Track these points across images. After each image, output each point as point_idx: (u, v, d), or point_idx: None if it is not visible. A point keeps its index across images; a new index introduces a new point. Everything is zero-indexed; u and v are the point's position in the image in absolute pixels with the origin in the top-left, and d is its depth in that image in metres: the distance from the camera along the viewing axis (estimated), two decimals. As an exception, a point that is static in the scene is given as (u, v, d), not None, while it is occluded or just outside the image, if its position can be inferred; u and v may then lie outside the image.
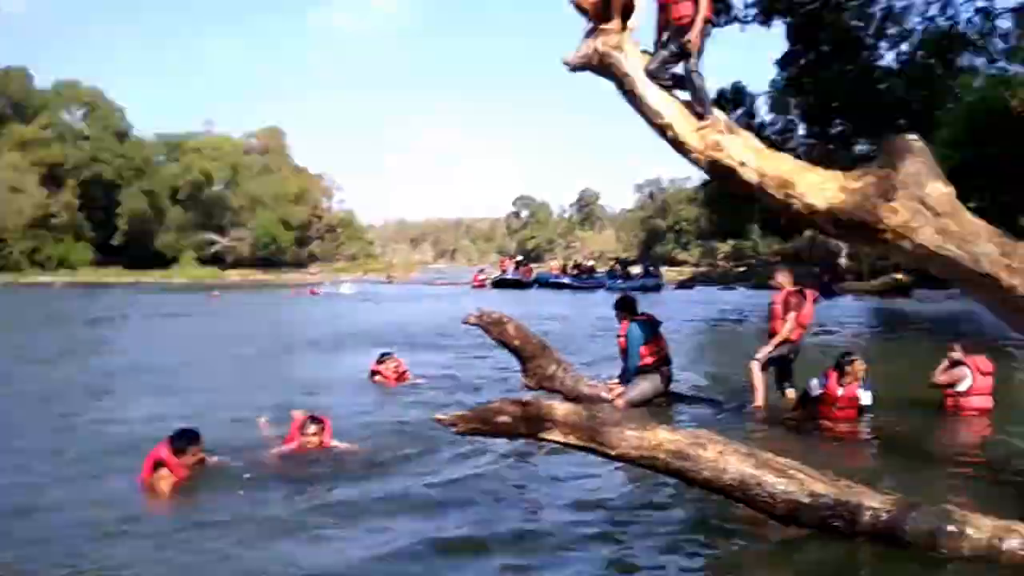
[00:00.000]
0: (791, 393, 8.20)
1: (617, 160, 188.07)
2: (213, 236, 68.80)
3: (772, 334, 8.18)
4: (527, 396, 4.46)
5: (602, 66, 7.19)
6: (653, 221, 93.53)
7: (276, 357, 13.26)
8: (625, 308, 8.55)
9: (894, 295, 27.52)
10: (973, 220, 5.12)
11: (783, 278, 8.35)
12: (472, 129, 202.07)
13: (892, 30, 23.69)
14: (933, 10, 23.14)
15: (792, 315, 8.03)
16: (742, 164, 6.29)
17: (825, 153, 23.84)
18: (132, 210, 61.11)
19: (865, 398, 7.30)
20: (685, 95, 6.85)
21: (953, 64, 22.50)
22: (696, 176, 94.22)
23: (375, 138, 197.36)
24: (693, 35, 6.79)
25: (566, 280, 39.39)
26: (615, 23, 7.14)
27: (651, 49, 7.10)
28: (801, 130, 26.04)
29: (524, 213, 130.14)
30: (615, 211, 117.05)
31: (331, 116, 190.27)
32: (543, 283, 39.73)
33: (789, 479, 4.11)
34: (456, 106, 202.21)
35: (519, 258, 49.73)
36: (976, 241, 4.93)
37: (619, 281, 37.45)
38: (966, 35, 22.91)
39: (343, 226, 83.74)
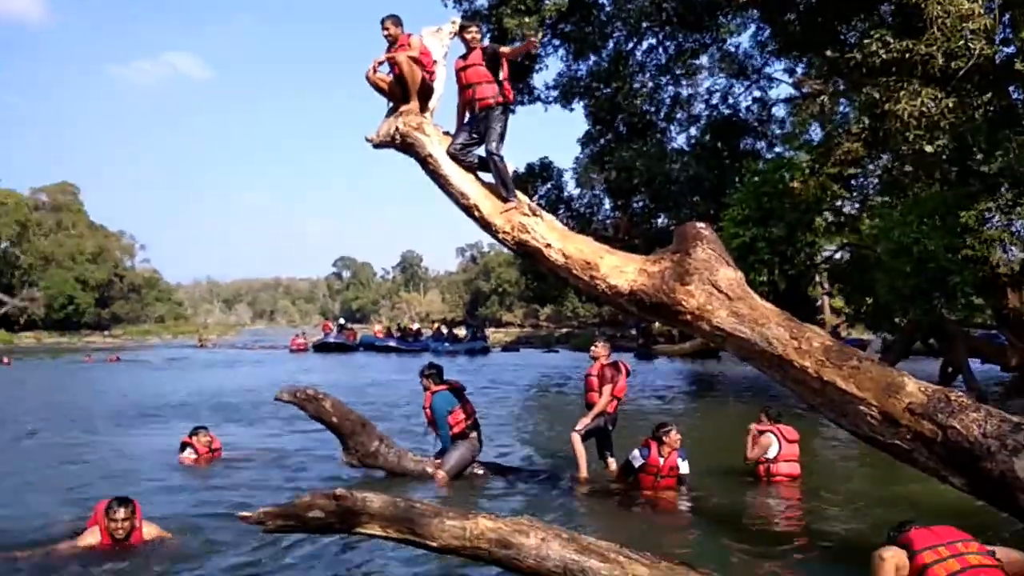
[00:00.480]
0: (612, 463, 8.48)
1: (437, 223, 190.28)
2: (2, 297, 62.58)
3: (589, 405, 8.46)
4: (340, 488, 4.26)
5: (404, 145, 7.41)
6: (476, 283, 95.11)
7: (76, 432, 12.27)
8: (430, 376, 8.54)
9: (704, 357, 29.21)
10: (763, 304, 5.59)
11: (601, 350, 8.67)
12: (285, 190, 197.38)
13: (680, 115, 25.83)
14: (715, 99, 25.54)
15: (607, 388, 8.34)
16: (547, 246, 6.59)
17: (629, 226, 25.45)
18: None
19: (683, 467, 7.60)
20: (488, 176, 7.12)
21: (737, 147, 24.75)
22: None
23: (182, 196, 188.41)
24: (509, 49, 7.17)
25: (392, 343, 38.96)
26: (414, 104, 7.39)
27: (452, 131, 7.37)
28: (607, 204, 27.49)
29: (346, 274, 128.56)
30: (438, 273, 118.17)
31: (132, 174, 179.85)
32: (368, 346, 39.07)
33: (612, 563, 4.12)
34: (267, 168, 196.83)
35: (342, 320, 48.77)
36: (767, 324, 5.37)
37: (446, 344, 37.56)
38: (746, 121, 25.32)
39: (148, 286, 78.91)
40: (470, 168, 7.14)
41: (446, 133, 7.33)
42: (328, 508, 4.17)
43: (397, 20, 7.42)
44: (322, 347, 38.87)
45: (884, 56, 11.63)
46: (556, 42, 23.26)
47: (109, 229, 74.80)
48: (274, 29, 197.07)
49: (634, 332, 39.49)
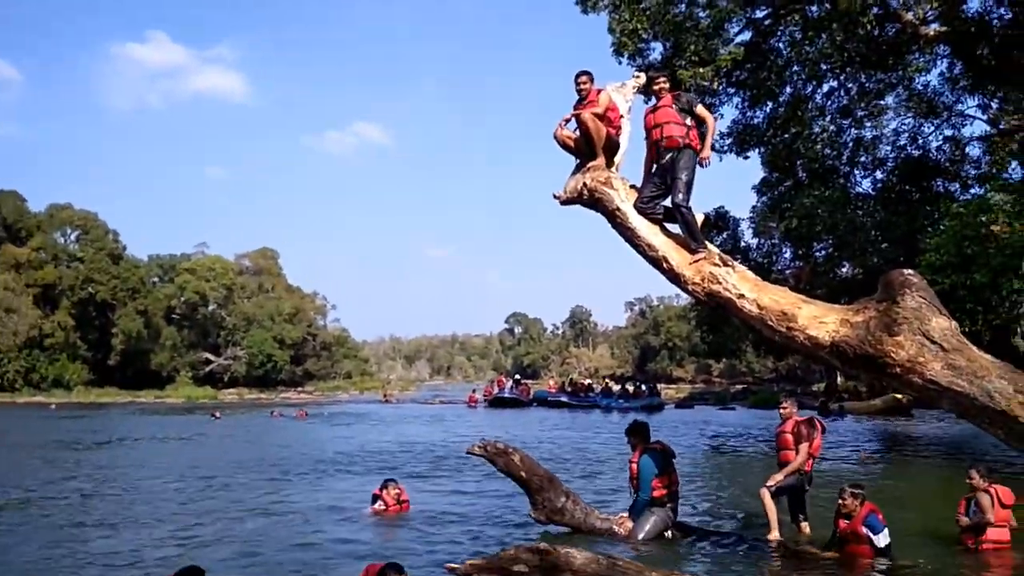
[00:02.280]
0: (805, 526, 8.02)
1: (606, 278, 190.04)
2: (208, 355, 68.68)
3: (782, 463, 8.07)
4: (541, 543, 4.28)
5: (592, 200, 7.45)
6: (646, 338, 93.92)
7: (273, 483, 13.08)
8: (638, 435, 8.36)
9: (895, 414, 27.23)
10: (981, 355, 5.16)
11: (790, 407, 8.31)
12: (463, 248, 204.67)
13: (865, 158, 24.56)
14: (903, 139, 24.11)
15: (804, 445, 7.94)
16: (741, 296, 6.40)
17: (811, 276, 24.28)
18: (127, 330, 61.12)
19: (879, 540, 6.95)
20: (675, 227, 7.05)
21: (928, 190, 23.20)
22: (685, 294, 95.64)
23: (367, 257, 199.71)
24: (705, 153, 7.05)
25: (564, 399, 39.03)
26: (600, 159, 7.47)
27: (638, 184, 7.38)
28: (786, 253, 26.44)
29: (517, 330, 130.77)
30: (607, 328, 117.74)
31: (323, 237, 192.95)
32: (541, 401, 39.35)
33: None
34: (448, 227, 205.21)
35: (516, 376, 49.50)
36: (987, 377, 4.95)
37: (620, 401, 37.15)
38: (938, 162, 23.73)
39: (338, 344, 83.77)
40: (657, 220, 7.11)
41: (632, 187, 7.36)
42: (532, 562, 4.20)
43: (591, 76, 7.57)
44: (497, 402, 39.53)
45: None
46: (731, 90, 22.92)
47: (304, 290, 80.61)
48: (450, 94, 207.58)
49: (815, 389, 37.42)
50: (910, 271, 5.63)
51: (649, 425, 8.56)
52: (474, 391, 44.56)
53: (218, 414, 33.27)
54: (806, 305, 6.09)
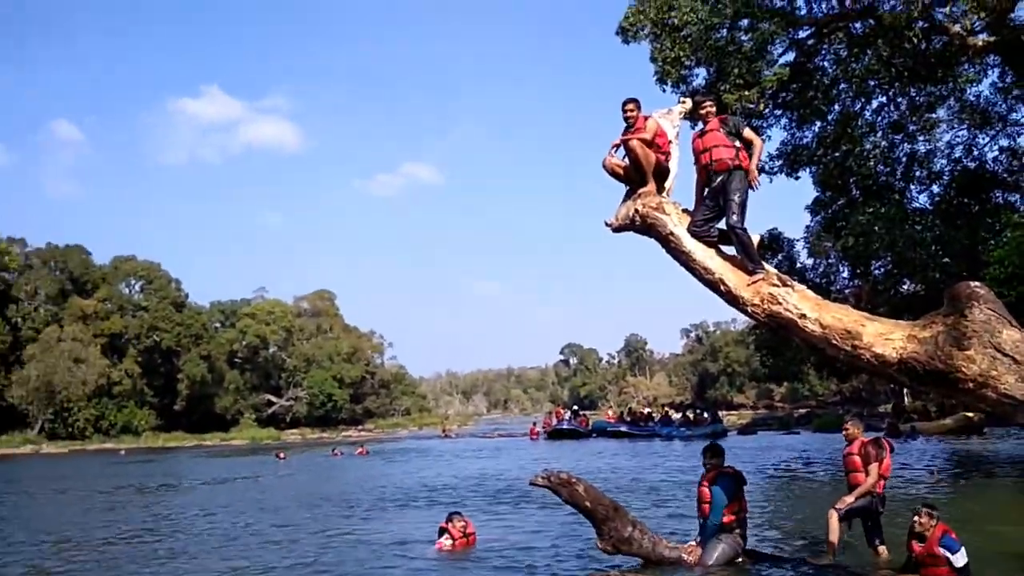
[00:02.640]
0: (883, 550, 7.83)
1: (660, 305, 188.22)
2: (270, 397, 69.96)
3: (852, 486, 7.91)
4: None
5: (644, 227, 7.48)
6: (704, 364, 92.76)
7: (345, 518, 13.23)
8: (717, 455, 8.22)
9: (967, 434, 26.34)
10: (1056, 366, 5.04)
11: (855, 428, 8.17)
12: (514, 281, 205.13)
13: (920, 173, 24.06)
14: (958, 152, 23.59)
15: (874, 466, 7.78)
16: (802, 316, 6.34)
17: (872, 295, 23.75)
18: (191, 375, 62.68)
19: (957, 560, 6.75)
20: (730, 249, 7.04)
21: (988, 202, 22.63)
22: (741, 318, 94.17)
23: (421, 295, 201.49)
24: (753, 174, 7.05)
25: (624, 428, 38.70)
26: (651, 186, 7.51)
27: (690, 208, 7.40)
28: (844, 272, 25.95)
29: (572, 361, 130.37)
30: (663, 355, 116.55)
31: (378, 276, 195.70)
32: (600, 432, 39.06)
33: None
34: (497, 259, 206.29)
35: (574, 407, 49.29)
36: (1064, 388, 4.83)
37: (683, 429, 36.66)
38: (996, 173, 23.16)
39: (396, 381, 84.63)
40: (711, 243, 7.11)
41: (684, 211, 7.38)
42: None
43: (637, 104, 7.66)
44: (556, 434, 39.36)
45: None
46: (778, 112, 22.78)
47: (361, 330, 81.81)
48: (494, 132, 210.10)
49: (881, 410, 36.43)
50: (976, 283, 5.52)
51: (723, 449, 8.46)
52: (535, 424, 44.47)
53: (283, 454, 33.78)
54: (870, 322, 6.02)
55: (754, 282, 6.63)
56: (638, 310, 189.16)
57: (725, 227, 6.99)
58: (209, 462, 33.36)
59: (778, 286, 6.51)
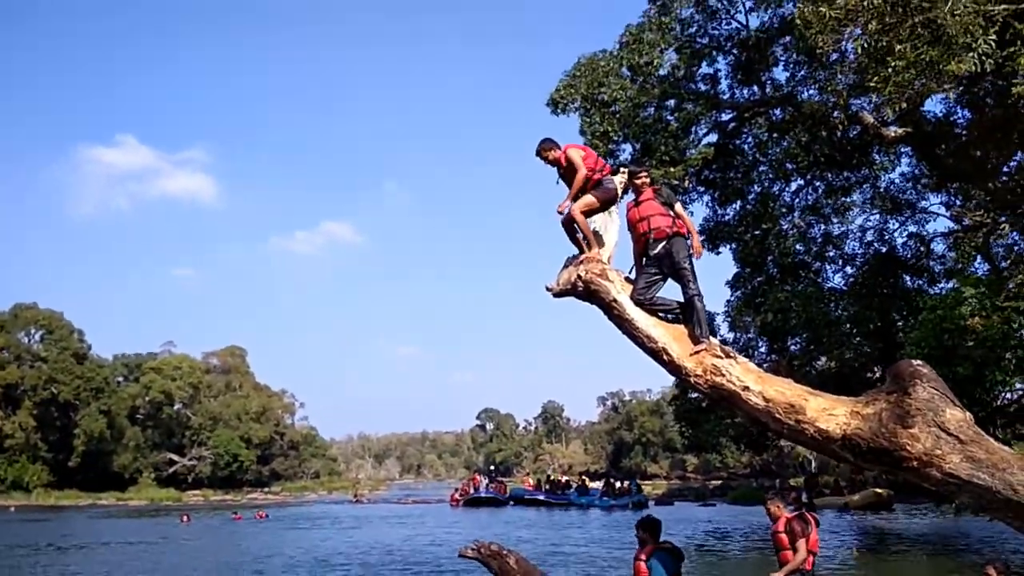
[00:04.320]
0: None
1: (578, 373, 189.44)
2: (172, 456, 66.79)
3: (782, 563, 7.84)
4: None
5: (587, 293, 7.34)
6: (619, 433, 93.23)
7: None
8: (649, 530, 7.76)
9: (876, 509, 26.96)
10: (999, 447, 5.06)
11: (775, 508, 8.15)
12: (433, 346, 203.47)
13: (833, 253, 25.08)
14: (870, 235, 24.73)
15: (801, 543, 7.74)
16: (745, 388, 6.26)
17: (789, 370, 24.35)
18: (89, 431, 59.37)
19: None
20: (661, 320, 6.97)
21: (897, 284, 23.66)
22: (656, 388, 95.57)
23: (336, 355, 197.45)
24: (695, 243, 7.02)
25: (541, 496, 38.24)
26: (595, 251, 7.39)
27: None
28: (762, 347, 26.58)
29: (489, 426, 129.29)
30: (580, 423, 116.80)
31: (292, 335, 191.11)
32: (518, 500, 38.50)
33: None
34: (416, 325, 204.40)
35: (492, 472, 48.63)
36: (1009, 469, 4.84)
37: (606, 499, 36.43)
38: (904, 258, 24.28)
39: (306, 443, 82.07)
40: (653, 312, 7.05)
41: (627, 279, 7.32)
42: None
43: (550, 143, 7.24)
44: (474, 501, 38.60)
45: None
46: (701, 189, 23.52)
47: (272, 388, 79.31)
48: (419, 195, 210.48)
49: (792, 483, 37.12)
50: (919, 362, 5.56)
51: (660, 522, 8.18)
52: (456, 491, 43.53)
53: (187, 517, 32.04)
54: (813, 397, 5.99)
55: (697, 352, 6.54)
56: (555, 377, 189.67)
57: (685, 298, 6.88)
58: (106, 523, 31.42)
59: (721, 357, 6.44)
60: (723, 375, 6.41)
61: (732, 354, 6.59)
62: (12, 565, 16.21)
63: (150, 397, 65.71)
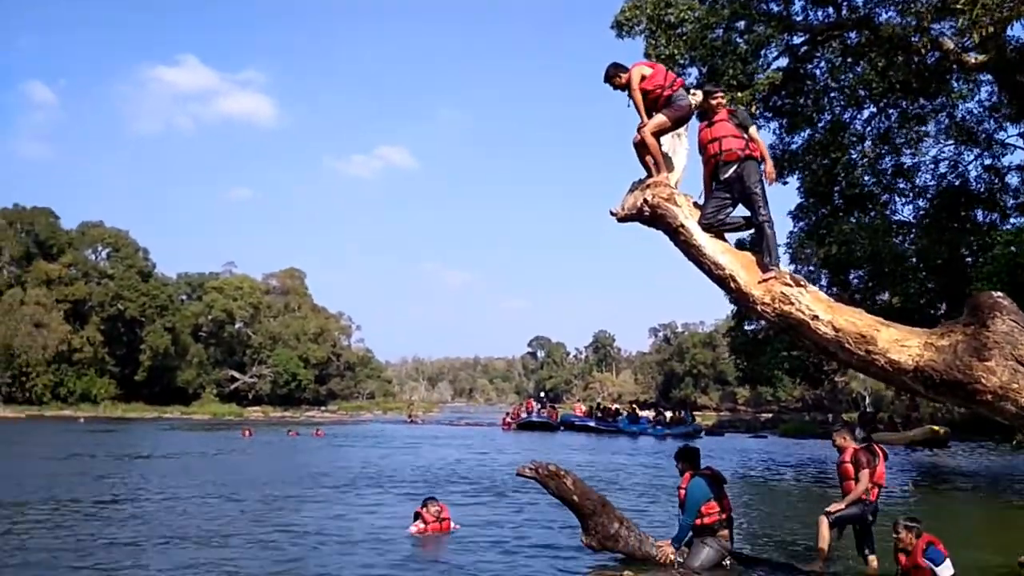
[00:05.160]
0: (873, 560, 7.75)
1: (630, 303, 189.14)
2: (234, 373, 69.09)
3: (846, 494, 7.81)
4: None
5: (653, 218, 7.17)
6: (670, 364, 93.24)
7: (322, 501, 12.91)
8: (688, 459, 8.01)
9: (932, 446, 26.67)
10: (1079, 379, 4.93)
11: (843, 440, 8.07)
12: (485, 272, 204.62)
13: (904, 186, 24.23)
14: (943, 167, 23.81)
15: (864, 473, 7.69)
16: (815, 318, 6.15)
17: (849, 303, 23.83)
18: (155, 346, 61.70)
19: (943, 572, 6.67)
20: (731, 242, 6.84)
21: (968, 219, 22.85)
22: (709, 320, 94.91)
23: (391, 280, 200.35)
24: (769, 167, 6.82)
25: (591, 423, 38.71)
26: (663, 175, 7.19)
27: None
28: (823, 280, 26.05)
29: (540, 353, 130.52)
30: (631, 353, 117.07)
31: (349, 259, 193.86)
32: (568, 425, 39.04)
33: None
34: (470, 252, 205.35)
35: (543, 398, 49.31)
36: (1089, 405, 4.72)
37: (659, 428, 36.67)
38: (978, 192, 23.38)
39: (362, 364, 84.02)
40: (721, 237, 6.91)
41: (695, 204, 7.16)
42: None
43: (619, 67, 7.11)
44: (526, 425, 39.27)
45: None
46: (768, 115, 22.79)
47: (329, 311, 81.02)
48: (473, 121, 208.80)
49: (845, 418, 36.76)
50: (999, 294, 5.41)
51: (698, 450, 8.28)
52: (507, 414, 44.31)
53: (249, 432, 33.31)
54: (885, 328, 5.86)
55: (766, 279, 6.42)
56: (608, 307, 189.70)
57: (755, 221, 6.70)
58: (172, 435, 32.82)
59: (791, 286, 6.32)
60: (792, 303, 6.29)
61: (802, 282, 6.44)
62: (80, 471, 17.08)
63: (212, 316, 67.74)
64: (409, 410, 63.76)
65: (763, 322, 6.75)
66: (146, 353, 62.16)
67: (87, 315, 60.95)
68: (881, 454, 8.05)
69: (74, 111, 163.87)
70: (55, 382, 56.60)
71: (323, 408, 69.14)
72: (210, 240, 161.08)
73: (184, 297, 72.04)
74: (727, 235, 7.03)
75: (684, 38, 21.12)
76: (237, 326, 70.66)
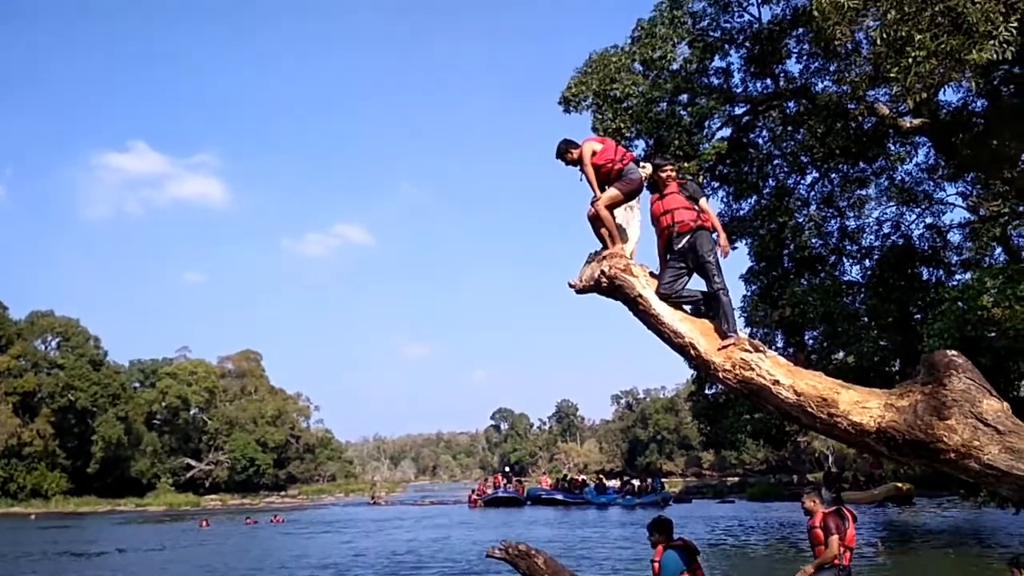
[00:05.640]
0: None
1: (591, 371, 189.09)
2: (189, 461, 67.12)
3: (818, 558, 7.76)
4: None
5: (611, 288, 7.22)
6: (634, 431, 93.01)
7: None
8: (661, 531, 7.81)
9: (897, 503, 26.78)
10: (1040, 437, 4.99)
11: (812, 503, 8.06)
12: (446, 346, 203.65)
13: (850, 247, 24.88)
14: (886, 227, 24.54)
15: (833, 538, 7.66)
16: (776, 383, 6.17)
17: (806, 364, 24.11)
18: (107, 437, 59.73)
19: None
20: (684, 312, 6.89)
21: (915, 277, 23.49)
22: (671, 385, 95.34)
23: (350, 358, 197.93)
24: (723, 240, 6.93)
25: (559, 496, 38.17)
26: (619, 246, 7.28)
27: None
28: (779, 341, 26.41)
29: (503, 426, 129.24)
30: (594, 422, 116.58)
31: (306, 338, 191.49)
32: (535, 499, 38.44)
33: None
34: (428, 325, 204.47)
35: (509, 472, 48.67)
36: (1049, 460, 4.77)
37: (629, 498, 36.28)
38: (922, 250, 24.09)
39: (322, 446, 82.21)
40: (678, 306, 6.97)
41: (651, 273, 7.24)
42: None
43: (570, 143, 7.12)
44: (493, 501, 38.57)
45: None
46: (715, 184, 23.41)
47: (287, 392, 79.52)
48: (432, 195, 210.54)
49: (809, 479, 36.87)
50: (954, 352, 5.49)
51: (671, 522, 8.15)
52: (473, 491, 43.51)
53: (206, 522, 32.11)
54: (845, 390, 5.90)
55: (725, 346, 6.46)
56: (570, 376, 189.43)
57: (710, 291, 6.79)
58: (126, 529, 31.53)
59: (750, 351, 6.36)
60: (753, 369, 6.33)
61: (761, 348, 6.49)
62: (34, 571, 16.28)
63: (167, 402, 66.07)
64: (372, 491, 62.27)
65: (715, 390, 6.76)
66: (98, 444, 60.10)
67: (37, 407, 59.01)
68: (851, 517, 8.04)
69: (21, 199, 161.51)
70: (4, 478, 54.37)
71: (283, 493, 67.26)
72: (163, 325, 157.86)
73: (137, 385, 70.22)
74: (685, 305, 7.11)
75: (630, 112, 21.74)
76: (192, 412, 68.97)
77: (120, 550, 21.46)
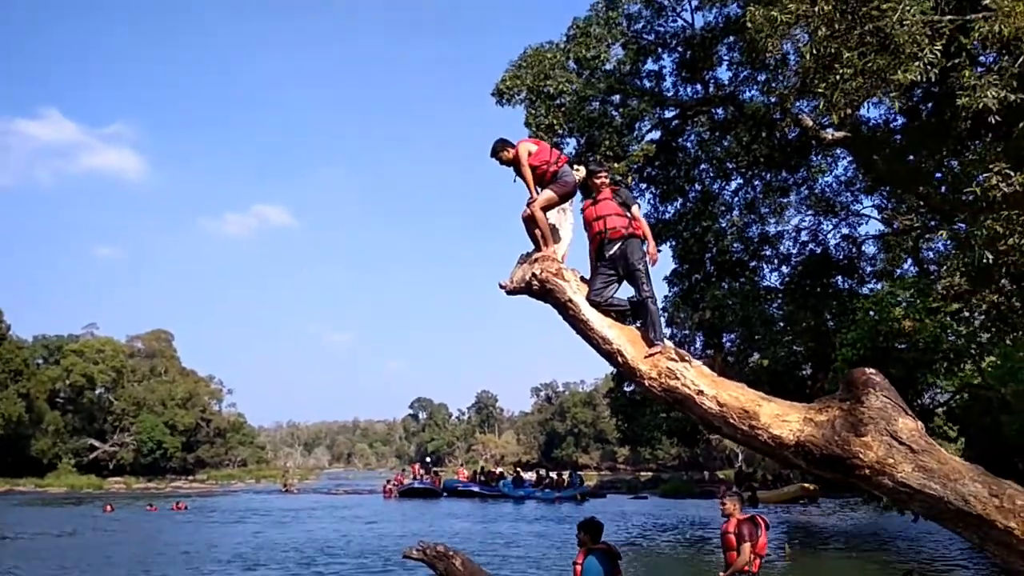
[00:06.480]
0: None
1: (512, 363, 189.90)
2: (93, 442, 64.57)
3: (729, 564, 7.88)
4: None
5: (542, 292, 7.19)
6: (552, 424, 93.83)
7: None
8: (590, 532, 7.71)
9: (804, 502, 27.69)
10: (952, 457, 5.11)
11: (731, 506, 8.17)
12: (366, 333, 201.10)
13: (770, 253, 25.57)
14: (804, 236, 25.28)
15: (746, 546, 7.79)
16: (699, 392, 6.22)
17: (723, 366, 24.75)
18: (7, 414, 56.87)
19: None
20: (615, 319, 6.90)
21: (830, 285, 24.28)
22: (590, 379, 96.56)
23: (266, 342, 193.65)
24: (651, 248, 6.93)
25: (475, 488, 38.13)
26: (551, 249, 7.24)
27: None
28: (698, 343, 26.97)
29: (422, 415, 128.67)
30: (513, 413, 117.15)
31: (221, 320, 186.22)
32: (451, 491, 38.30)
33: None
34: (348, 312, 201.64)
35: (428, 462, 48.38)
36: (960, 480, 4.89)
37: (548, 491, 36.38)
38: (837, 259, 24.92)
39: (233, 430, 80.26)
40: (607, 312, 6.96)
41: (582, 279, 7.21)
42: None
43: (506, 143, 7.08)
44: (409, 492, 38.27)
45: (1005, 189, 11.27)
46: (643, 185, 23.68)
47: (199, 374, 77.24)
48: (354, 178, 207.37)
49: (720, 476, 37.80)
50: (872, 370, 5.60)
51: (602, 524, 8.11)
52: (389, 481, 43.02)
53: (110, 507, 30.89)
54: (766, 403, 5.98)
55: (652, 355, 6.48)
56: (491, 367, 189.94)
57: (637, 298, 6.82)
58: (24, 511, 30.10)
59: (676, 361, 6.39)
60: (677, 378, 6.36)
61: (687, 357, 6.52)
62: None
63: (71, 381, 63.39)
64: (284, 478, 60.95)
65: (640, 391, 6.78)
66: (-4, 421, 57.23)
67: (-68, 381, 55.92)
68: (764, 525, 8.18)
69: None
70: None
71: (191, 478, 65.42)
72: (71, 301, 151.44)
73: (40, 361, 67.09)
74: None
75: (563, 109, 21.77)
76: (98, 391, 66.36)
77: (17, 536, 20.45)
